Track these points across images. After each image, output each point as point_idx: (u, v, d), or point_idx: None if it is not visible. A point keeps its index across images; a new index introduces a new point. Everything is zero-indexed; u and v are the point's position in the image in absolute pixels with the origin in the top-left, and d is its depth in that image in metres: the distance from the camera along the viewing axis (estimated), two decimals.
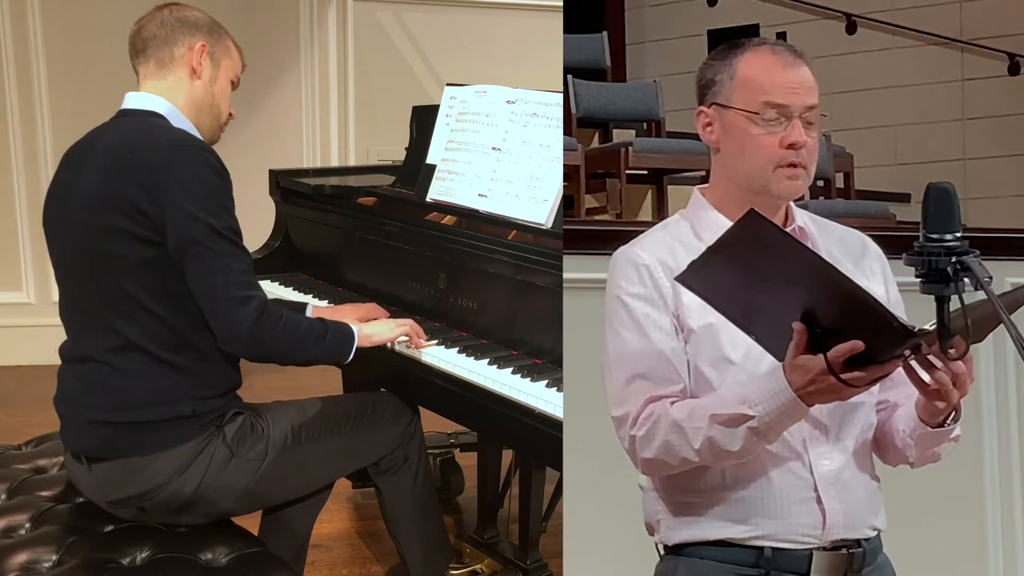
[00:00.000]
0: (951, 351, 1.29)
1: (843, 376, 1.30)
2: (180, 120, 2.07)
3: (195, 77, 2.09)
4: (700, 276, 1.32)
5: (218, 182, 1.95)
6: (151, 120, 2.03)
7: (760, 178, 1.47)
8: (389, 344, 2.26)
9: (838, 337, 1.29)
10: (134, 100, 2.09)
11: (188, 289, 1.94)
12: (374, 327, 2.23)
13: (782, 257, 1.27)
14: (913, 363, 1.34)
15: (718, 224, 1.50)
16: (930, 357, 1.32)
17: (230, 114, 2.20)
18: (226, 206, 1.96)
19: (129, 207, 1.90)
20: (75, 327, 2.04)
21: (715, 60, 1.52)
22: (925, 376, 1.35)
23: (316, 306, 2.48)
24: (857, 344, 1.28)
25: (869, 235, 1.61)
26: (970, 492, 2.65)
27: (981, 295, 1.27)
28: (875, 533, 1.51)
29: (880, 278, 1.56)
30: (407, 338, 2.27)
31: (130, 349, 1.95)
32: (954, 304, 1.28)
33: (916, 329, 1.28)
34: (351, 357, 2.13)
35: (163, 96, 2.07)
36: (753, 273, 1.29)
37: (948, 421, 1.45)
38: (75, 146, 2.08)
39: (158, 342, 1.95)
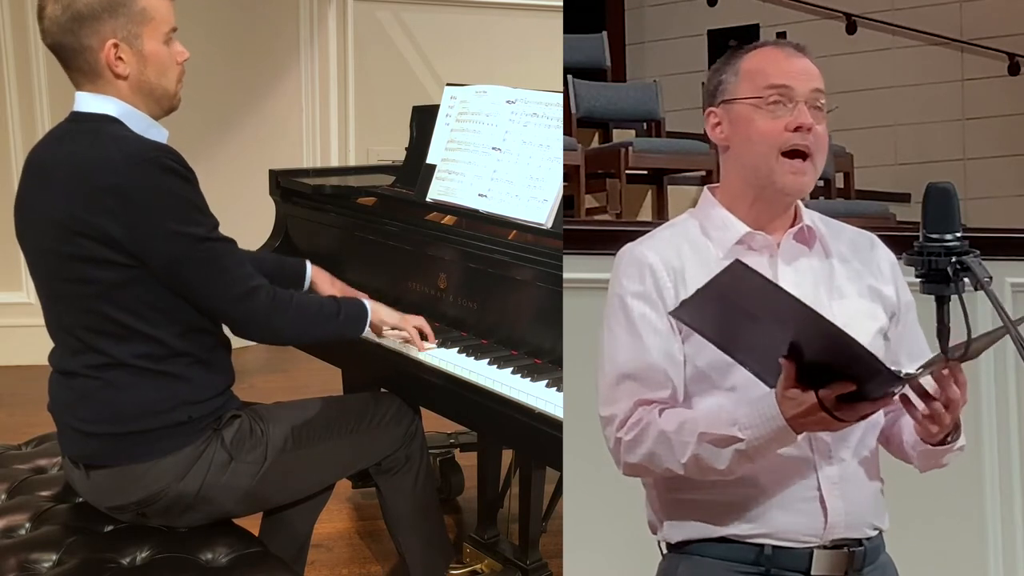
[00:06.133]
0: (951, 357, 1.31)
1: (835, 413, 1.32)
2: (137, 119, 1.91)
3: (121, 78, 1.89)
4: (692, 312, 1.36)
5: (186, 187, 1.85)
6: (104, 128, 1.87)
7: (765, 167, 1.47)
8: (387, 339, 2.28)
9: (828, 369, 1.31)
10: (86, 103, 1.91)
11: (176, 301, 1.89)
12: (385, 309, 2.25)
13: (769, 304, 1.29)
14: (907, 390, 1.35)
15: (727, 223, 1.51)
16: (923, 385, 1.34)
17: (183, 62, 1.95)
18: (201, 208, 1.88)
19: (98, 234, 1.81)
20: (59, 342, 1.99)
21: (721, 64, 1.55)
22: (919, 404, 1.37)
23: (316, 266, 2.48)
24: (848, 385, 1.30)
25: None
26: (970, 492, 2.65)
27: (980, 294, 1.28)
28: (876, 532, 1.51)
29: (889, 279, 1.56)
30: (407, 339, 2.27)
31: (118, 366, 1.90)
32: (953, 304, 1.29)
33: (903, 374, 1.31)
34: (363, 333, 2.17)
35: (111, 95, 1.90)
36: (741, 313, 1.31)
37: (949, 438, 1.45)
38: (36, 154, 1.96)
39: (147, 357, 1.90)
